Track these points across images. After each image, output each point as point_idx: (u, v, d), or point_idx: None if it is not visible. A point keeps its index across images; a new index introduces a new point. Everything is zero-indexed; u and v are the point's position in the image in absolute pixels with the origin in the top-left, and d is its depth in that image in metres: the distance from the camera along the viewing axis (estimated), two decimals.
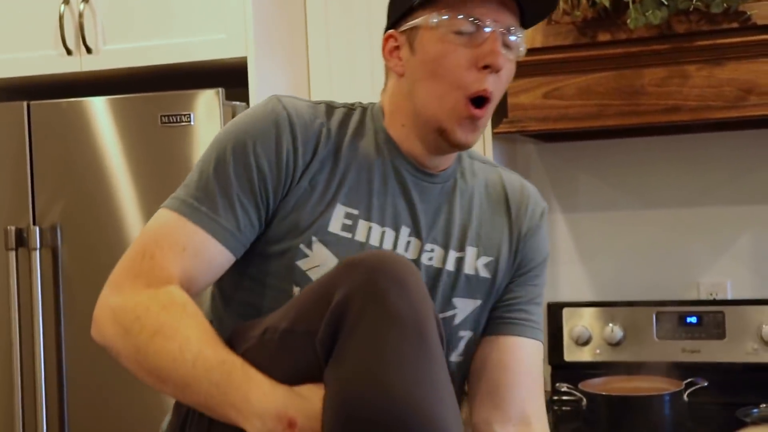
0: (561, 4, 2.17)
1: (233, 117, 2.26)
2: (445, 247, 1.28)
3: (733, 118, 2.15)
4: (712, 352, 2.46)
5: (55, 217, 2.35)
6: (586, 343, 2.57)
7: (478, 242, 1.32)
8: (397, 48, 1.27)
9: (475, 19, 1.20)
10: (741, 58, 2.09)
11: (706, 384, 2.22)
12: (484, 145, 2.37)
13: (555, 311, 2.61)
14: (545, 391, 2.55)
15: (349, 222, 1.22)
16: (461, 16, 1.20)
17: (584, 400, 2.23)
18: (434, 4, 1.22)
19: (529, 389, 1.33)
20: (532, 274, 1.37)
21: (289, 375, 1.05)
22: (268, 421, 1.02)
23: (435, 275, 1.27)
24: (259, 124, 1.22)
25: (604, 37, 2.17)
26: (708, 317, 2.47)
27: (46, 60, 2.46)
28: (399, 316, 0.99)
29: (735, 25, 2.06)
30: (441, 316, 1.25)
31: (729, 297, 2.54)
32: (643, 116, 2.18)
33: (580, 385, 2.27)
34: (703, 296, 2.56)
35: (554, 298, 2.67)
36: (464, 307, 1.30)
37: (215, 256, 1.18)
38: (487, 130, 2.35)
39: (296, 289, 1.19)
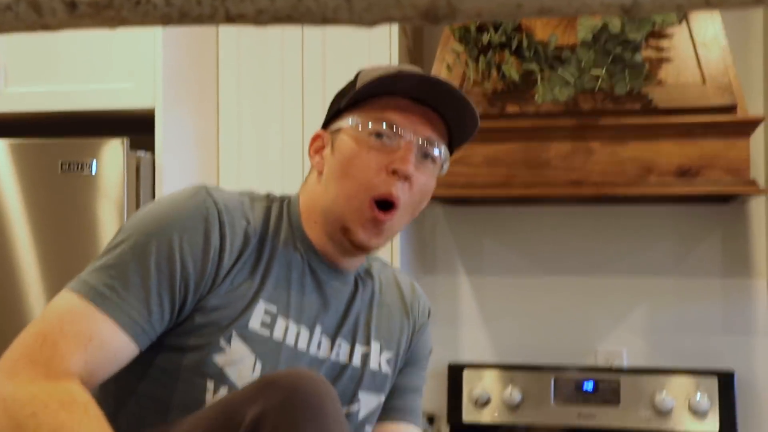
0: (471, 75, 2.20)
1: (137, 168, 2.26)
2: (352, 343, 1.30)
3: (634, 195, 2.21)
4: (607, 418, 2.50)
5: None
6: (485, 404, 2.58)
7: (380, 337, 1.34)
8: (322, 147, 1.29)
9: (393, 126, 1.22)
10: (642, 138, 2.16)
11: None
12: None
13: (456, 372, 2.62)
14: None
15: (267, 319, 1.21)
16: (380, 121, 1.22)
17: None
18: (360, 108, 1.25)
19: None
20: (420, 366, 1.42)
21: None
22: None
23: (341, 370, 1.29)
24: (187, 217, 1.18)
25: (512, 109, 2.21)
26: (604, 384, 2.52)
27: None
28: None
29: (637, 106, 2.14)
30: (346, 411, 1.28)
31: (625, 365, 2.60)
32: (549, 188, 2.22)
33: None
34: (600, 363, 2.61)
35: (455, 359, 2.68)
36: (368, 402, 1.32)
37: (121, 349, 1.12)
38: None
39: (210, 383, 1.16)
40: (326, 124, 1.30)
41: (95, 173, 2.18)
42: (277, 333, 1.21)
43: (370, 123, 1.22)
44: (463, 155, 2.24)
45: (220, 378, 1.16)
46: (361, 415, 1.30)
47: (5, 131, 2.38)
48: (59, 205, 2.20)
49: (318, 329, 1.26)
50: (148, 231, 1.16)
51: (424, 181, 1.25)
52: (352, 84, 1.28)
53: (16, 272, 2.22)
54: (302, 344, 1.24)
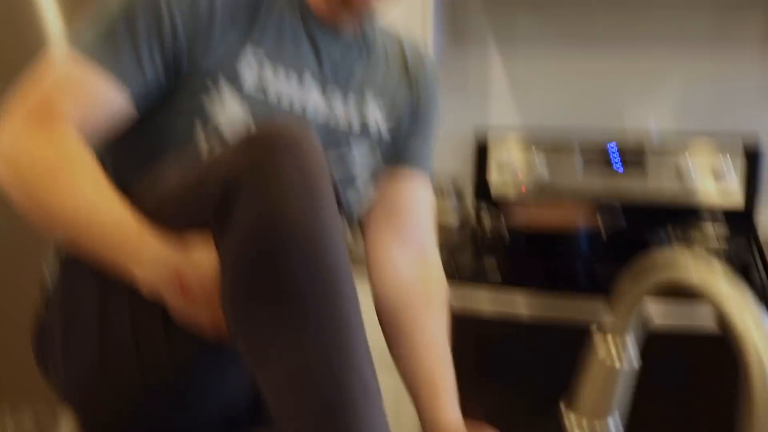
0: None
1: None
2: (345, 93, 1.27)
3: None
4: (633, 190, 2.53)
5: None
6: (510, 170, 2.60)
7: (382, 105, 1.32)
8: None
9: None
10: None
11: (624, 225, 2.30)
12: None
13: (481, 137, 2.63)
14: (467, 206, 2.64)
15: (253, 61, 1.17)
16: None
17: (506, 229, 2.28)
18: None
19: (426, 220, 1.40)
20: (426, 118, 1.40)
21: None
22: (159, 268, 1.01)
23: (336, 129, 1.26)
24: None
25: None
26: (630, 152, 2.52)
27: None
28: (290, 180, 0.94)
29: None
30: (339, 153, 1.27)
31: (654, 135, 2.58)
32: None
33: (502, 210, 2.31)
34: (629, 134, 2.60)
35: (483, 124, 2.68)
36: (364, 159, 1.31)
37: (114, 99, 1.10)
38: None
39: (198, 122, 1.14)
40: None
41: None
42: (268, 74, 1.18)
43: None
44: None
45: (205, 115, 1.14)
46: (356, 171, 1.30)
47: None
48: None
49: (307, 73, 1.22)
50: None
51: None
52: None
53: None
54: (297, 107, 1.21)
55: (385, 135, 1.33)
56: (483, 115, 2.70)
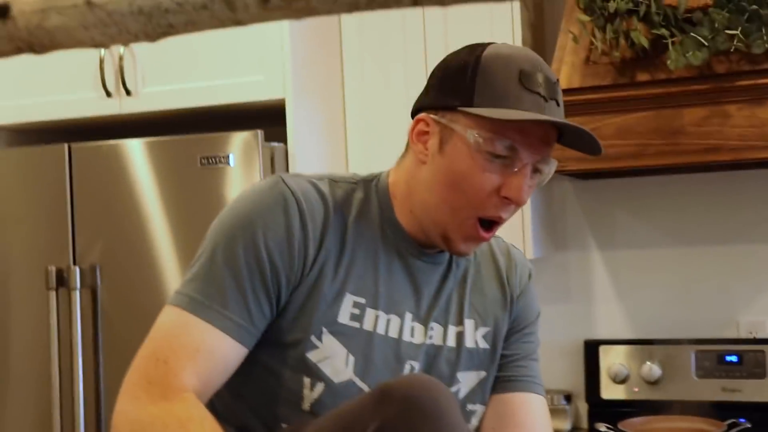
0: (599, 44, 2.16)
1: (272, 158, 2.32)
2: (445, 324, 1.28)
3: None
4: (753, 391, 2.42)
5: (94, 257, 2.37)
6: (623, 381, 2.55)
7: (475, 314, 1.31)
8: (425, 134, 1.22)
9: (512, 147, 1.16)
10: None
11: (749, 426, 2.19)
12: None
13: (592, 348, 2.59)
14: (581, 428, 2.56)
15: (357, 311, 1.21)
16: (500, 142, 1.16)
17: None
18: (476, 116, 1.17)
19: None
20: (526, 332, 1.37)
21: None
22: None
23: (436, 353, 1.27)
24: (267, 211, 1.18)
25: (643, 77, 2.16)
26: (748, 356, 2.44)
27: (86, 102, 2.49)
28: None
29: None
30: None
31: None
32: (683, 156, 2.16)
33: (620, 425, 2.25)
34: (743, 335, 2.53)
35: (591, 336, 2.65)
36: (468, 381, 1.30)
37: (229, 353, 1.15)
38: None
39: (306, 380, 1.18)
40: (433, 108, 1.22)
41: (232, 165, 2.26)
42: (367, 324, 1.21)
43: (490, 143, 1.16)
44: (593, 127, 2.20)
45: (316, 374, 1.18)
46: (462, 394, 1.28)
47: (144, 130, 2.48)
48: (198, 198, 2.28)
49: (408, 316, 1.25)
50: (232, 233, 1.17)
51: (531, 192, 1.22)
52: (470, 70, 1.18)
53: (159, 265, 2.32)
54: (393, 332, 1.23)
55: (483, 345, 1.32)
56: (589, 322, 2.67)
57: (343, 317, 1.19)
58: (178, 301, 1.16)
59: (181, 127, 2.52)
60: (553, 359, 2.65)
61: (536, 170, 1.20)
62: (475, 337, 1.31)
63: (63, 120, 2.53)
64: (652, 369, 2.51)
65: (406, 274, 1.25)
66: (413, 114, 1.27)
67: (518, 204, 1.19)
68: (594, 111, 2.20)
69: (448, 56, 1.25)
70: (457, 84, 1.19)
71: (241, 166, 2.25)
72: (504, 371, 1.34)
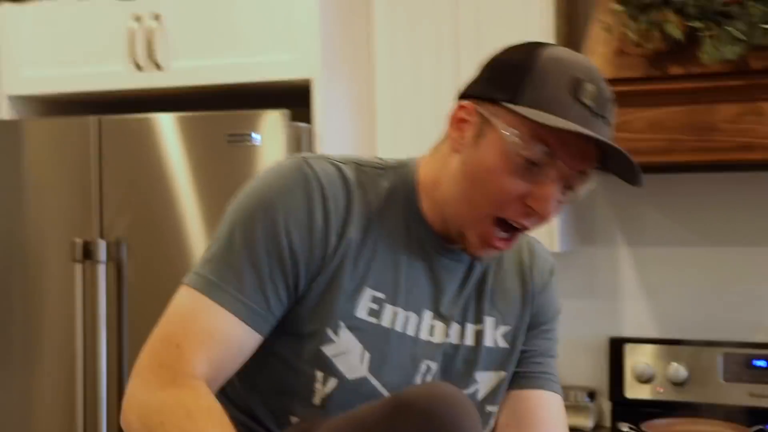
0: (632, 35, 2.12)
1: (298, 138, 2.32)
2: (463, 323, 1.24)
3: None
4: None
5: (120, 231, 2.39)
6: (648, 380, 2.50)
7: (495, 312, 1.27)
8: (465, 122, 1.16)
9: (549, 155, 1.09)
10: None
11: None
12: None
13: (617, 346, 2.55)
14: (604, 427, 2.52)
15: (375, 306, 1.16)
16: (537, 147, 1.09)
17: None
18: (518, 114, 1.10)
19: None
20: (544, 328, 1.33)
21: None
22: None
23: (454, 352, 1.23)
24: (288, 194, 1.13)
25: (676, 70, 2.11)
26: None
27: (116, 75, 2.51)
28: None
29: None
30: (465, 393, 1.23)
31: None
32: (716, 153, 2.11)
33: (643, 426, 2.20)
34: None
35: (617, 333, 2.60)
36: (487, 381, 1.26)
37: (244, 340, 1.12)
38: None
39: (319, 375, 1.15)
40: (478, 97, 1.16)
41: (259, 144, 2.26)
42: (385, 320, 1.17)
43: (526, 146, 1.09)
44: (624, 120, 2.14)
45: (330, 369, 1.14)
46: (480, 395, 1.25)
47: (173, 105, 2.50)
48: (225, 175, 2.29)
49: (427, 314, 1.20)
50: (251, 214, 1.13)
51: (560, 207, 1.15)
52: (523, 67, 1.11)
53: (185, 240, 2.34)
54: (411, 330, 1.19)
55: (503, 344, 1.28)
56: (615, 319, 2.63)
57: (361, 312, 1.15)
58: (195, 282, 1.13)
59: (210, 103, 2.54)
60: (577, 356, 2.62)
61: (569, 187, 1.12)
62: (495, 335, 1.26)
63: (93, 92, 2.56)
64: (678, 370, 2.47)
65: (427, 270, 1.21)
66: (459, 99, 1.20)
67: (543, 216, 1.12)
68: (625, 104, 2.12)
69: (505, 48, 1.18)
70: (507, 79, 1.13)
71: (266, 145, 2.26)
72: (521, 367, 1.30)
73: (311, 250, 1.13)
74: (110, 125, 2.41)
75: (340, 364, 1.14)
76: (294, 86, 2.38)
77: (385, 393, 1.16)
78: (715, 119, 2.09)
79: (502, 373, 1.27)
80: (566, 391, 2.56)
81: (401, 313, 1.18)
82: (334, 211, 1.14)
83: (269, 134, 2.26)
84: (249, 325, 1.11)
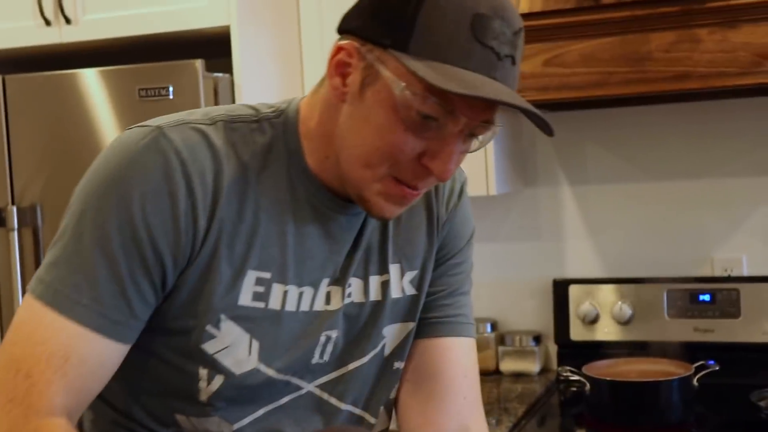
0: None
1: (215, 89, 2.19)
2: (365, 277, 1.11)
3: (748, 85, 2.00)
4: (726, 332, 2.33)
5: (34, 197, 2.26)
6: (593, 321, 2.46)
7: (401, 257, 1.14)
8: (347, 65, 0.99)
9: (447, 109, 0.94)
10: (757, 21, 1.94)
11: (717, 368, 2.11)
12: None
13: (561, 288, 2.50)
14: (551, 370, 2.48)
15: (261, 289, 1.02)
16: (433, 101, 0.94)
17: (587, 384, 2.12)
18: (408, 59, 0.93)
19: (466, 396, 1.19)
20: (453, 262, 1.19)
21: None
22: None
23: (358, 312, 1.11)
24: (143, 176, 0.96)
25: None
26: (722, 294, 2.35)
27: (24, 31, 2.36)
28: None
29: None
30: (371, 353, 1.12)
31: (744, 273, 2.41)
32: (651, 84, 2.03)
33: (584, 369, 2.16)
34: (717, 273, 2.43)
35: (561, 275, 2.55)
36: (395, 335, 1.15)
37: (106, 355, 0.97)
38: None
39: (203, 372, 1.02)
40: (361, 37, 0.99)
41: (172, 97, 2.13)
42: (274, 302, 1.04)
43: (420, 101, 0.94)
44: (555, 55, 2.07)
45: (214, 366, 1.02)
46: (387, 351, 1.14)
47: (88, 62, 2.36)
48: None
49: (324, 282, 1.07)
50: (102, 206, 0.96)
51: (462, 158, 1.02)
52: (415, 1, 0.93)
53: None
54: (305, 305, 1.06)
55: (410, 290, 1.16)
56: (559, 260, 2.57)
57: (245, 299, 1.01)
58: (41, 292, 0.96)
59: (128, 59, 2.40)
60: (522, 299, 2.58)
61: (472, 135, 0.99)
62: (401, 284, 1.14)
63: (0, 50, 2.41)
64: (623, 309, 2.42)
65: (321, 234, 1.06)
66: (339, 33, 1.04)
67: (440, 179, 0.99)
68: (556, 37, 2.06)
69: None
70: (394, 15, 0.95)
71: (181, 99, 2.13)
72: (426, 312, 1.18)
73: (177, 241, 0.97)
74: (15, 84, 2.26)
75: (226, 360, 1.02)
76: (212, 35, 2.25)
77: (280, 379, 1.06)
78: (649, 49, 2.01)
79: (411, 324, 1.16)
80: (512, 335, 2.53)
81: (293, 290, 1.05)
82: (201, 190, 0.98)
83: (184, 87, 2.13)
84: (111, 339, 0.97)
